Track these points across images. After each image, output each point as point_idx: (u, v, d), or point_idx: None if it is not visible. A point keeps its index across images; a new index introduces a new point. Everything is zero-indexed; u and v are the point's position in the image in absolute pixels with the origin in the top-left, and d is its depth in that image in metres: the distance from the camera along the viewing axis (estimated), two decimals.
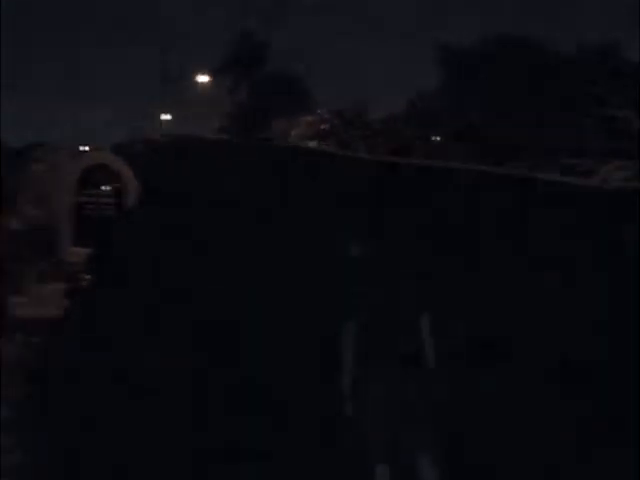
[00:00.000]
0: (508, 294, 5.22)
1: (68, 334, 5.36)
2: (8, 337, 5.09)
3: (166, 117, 46.56)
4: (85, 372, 4.99)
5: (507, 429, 3.94)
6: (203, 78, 36.76)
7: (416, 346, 3.29)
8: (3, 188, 11.40)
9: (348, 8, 47.28)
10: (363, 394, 3.24)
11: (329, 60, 53.20)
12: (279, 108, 34.69)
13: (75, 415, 4.54)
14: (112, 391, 4.75)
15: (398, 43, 50.65)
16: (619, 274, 4.91)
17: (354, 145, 27.65)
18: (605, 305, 4.76)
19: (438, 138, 28.56)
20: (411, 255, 3.66)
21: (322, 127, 30.66)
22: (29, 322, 5.46)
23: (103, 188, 7.10)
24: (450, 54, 29.91)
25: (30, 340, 5.21)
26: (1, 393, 4.36)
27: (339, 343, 3.34)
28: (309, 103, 35.42)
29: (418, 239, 5.17)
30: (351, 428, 3.32)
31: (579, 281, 5.12)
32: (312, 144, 30.07)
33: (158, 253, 6.25)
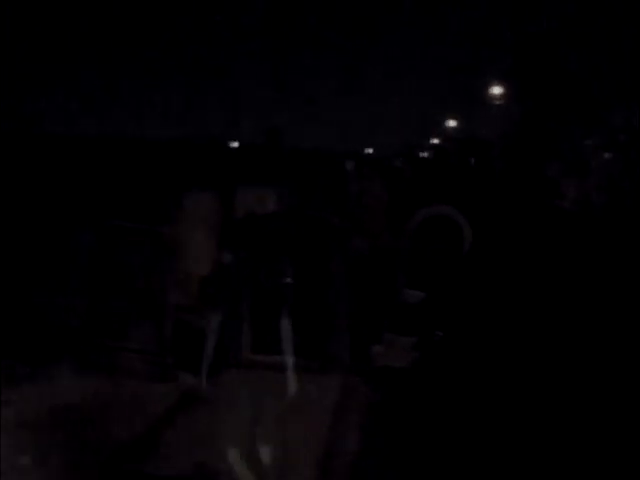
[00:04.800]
0: None
1: (414, 389, 5.66)
2: (370, 385, 5.52)
3: (452, 123, 47.10)
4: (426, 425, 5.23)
5: None
6: (494, 87, 36.54)
7: None
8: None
9: None
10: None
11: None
12: (568, 116, 33.49)
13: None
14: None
15: None
16: None
17: None
18: None
19: None
20: None
21: (621, 138, 29.08)
22: (381, 371, 5.86)
23: (438, 236, 7.44)
24: None
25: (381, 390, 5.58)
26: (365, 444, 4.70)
27: None
28: (598, 112, 33.76)
29: None
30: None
31: None
32: (607, 155, 28.64)
33: (500, 305, 6.39)
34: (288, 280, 5.12)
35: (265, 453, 4.26)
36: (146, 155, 24.67)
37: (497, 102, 38.45)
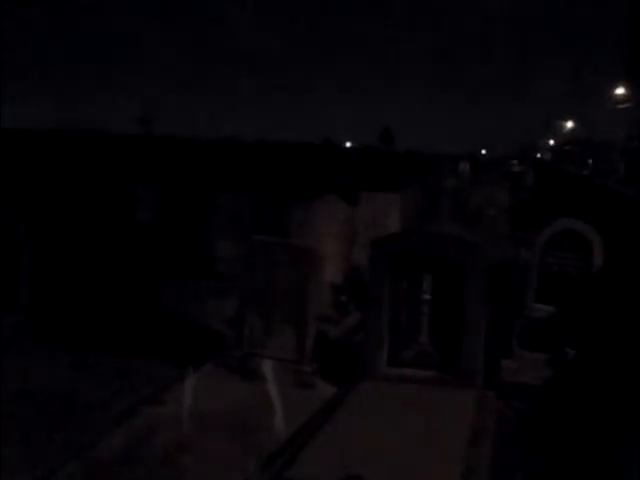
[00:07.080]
0: None
1: (546, 405, 5.68)
2: (503, 401, 5.60)
3: (569, 124, 45.86)
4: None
5: None
6: (616, 87, 35.34)
7: None
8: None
9: None
10: None
11: None
12: None
13: None
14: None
15: None
16: None
17: None
18: None
19: None
20: None
21: None
22: (512, 386, 5.93)
23: (568, 250, 7.42)
24: None
25: (512, 405, 5.65)
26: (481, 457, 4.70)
27: None
28: None
29: None
30: None
31: None
32: None
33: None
34: (427, 296, 5.32)
35: (403, 464, 4.40)
36: (270, 159, 24.96)
37: (619, 103, 37.15)
